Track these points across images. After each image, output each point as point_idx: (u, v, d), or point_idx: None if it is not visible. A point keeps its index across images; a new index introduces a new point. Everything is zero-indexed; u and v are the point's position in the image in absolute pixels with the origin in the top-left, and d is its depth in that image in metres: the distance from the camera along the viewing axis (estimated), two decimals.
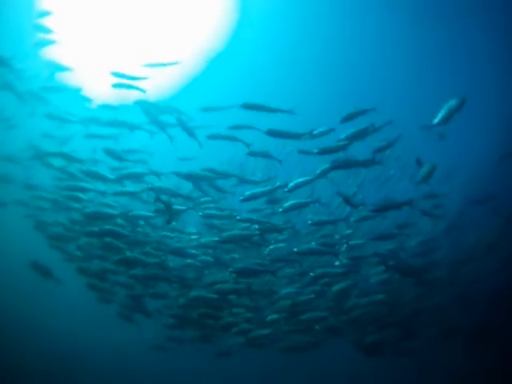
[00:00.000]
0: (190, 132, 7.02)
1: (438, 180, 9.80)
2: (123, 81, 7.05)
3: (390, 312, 9.39)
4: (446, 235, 9.48)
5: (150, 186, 6.86)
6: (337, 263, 8.69)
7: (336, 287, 8.60)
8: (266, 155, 7.23)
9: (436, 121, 5.82)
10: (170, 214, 6.71)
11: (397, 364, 11.41)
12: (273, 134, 6.46)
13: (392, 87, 14.53)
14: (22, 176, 9.31)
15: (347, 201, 7.15)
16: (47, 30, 8.02)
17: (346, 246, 8.67)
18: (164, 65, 7.55)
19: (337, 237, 9.07)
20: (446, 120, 5.76)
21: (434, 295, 9.25)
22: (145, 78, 7.22)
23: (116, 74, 7.08)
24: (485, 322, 9.36)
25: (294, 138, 6.50)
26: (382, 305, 9.19)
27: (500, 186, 9.44)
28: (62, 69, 8.13)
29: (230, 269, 7.45)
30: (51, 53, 8.52)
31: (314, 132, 6.73)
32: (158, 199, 6.61)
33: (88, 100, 8.26)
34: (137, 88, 7.24)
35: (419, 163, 6.49)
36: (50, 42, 8.08)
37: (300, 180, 6.99)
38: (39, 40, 8.06)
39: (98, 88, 8.21)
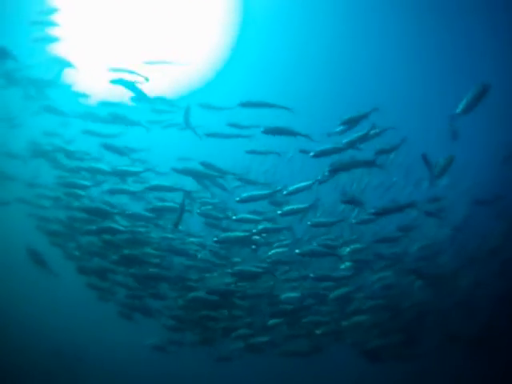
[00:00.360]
0: (189, 124, 7.00)
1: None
2: (122, 75, 7.06)
3: (393, 317, 9.26)
4: (451, 239, 9.35)
5: (147, 185, 6.84)
6: (342, 266, 8.62)
7: (337, 292, 8.52)
8: (265, 152, 7.20)
9: (459, 110, 5.69)
10: (180, 217, 6.70)
11: (399, 370, 11.25)
12: (270, 132, 6.39)
13: (396, 90, 14.45)
14: (25, 174, 9.36)
15: (351, 201, 7.04)
16: (52, 26, 8.07)
17: (348, 249, 8.54)
18: (164, 63, 7.57)
19: (341, 241, 8.98)
20: (469, 109, 5.61)
21: (437, 300, 9.10)
22: (146, 78, 7.24)
23: (114, 70, 7.11)
24: (488, 326, 9.19)
25: (293, 135, 6.41)
26: (385, 310, 9.08)
27: (504, 188, 9.29)
28: (66, 65, 8.15)
29: (230, 271, 7.42)
30: (55, 49, 8.56)
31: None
32: (183, 200, 6.60)
33: (86, 96, 8.29)
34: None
35: (426, 160, 6.39)
36: (55, 39, 8.12)
37: (300, 185, 6.97)
38: (44, 36, 8.09)
39: (101, 86, 8.23)
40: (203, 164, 6.94)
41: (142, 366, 16.82)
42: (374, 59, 15.41)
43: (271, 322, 9.00)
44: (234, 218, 7.17)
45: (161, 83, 9.19)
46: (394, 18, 13.89)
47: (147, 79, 7.21)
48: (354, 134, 6.53)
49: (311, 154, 6.26)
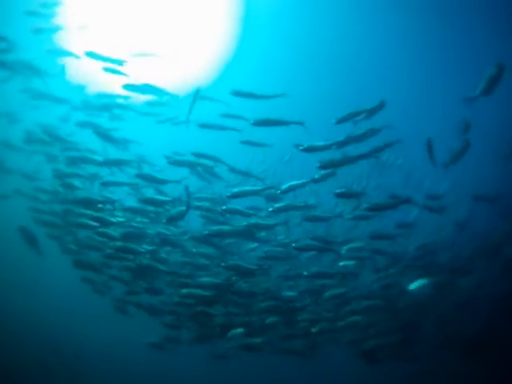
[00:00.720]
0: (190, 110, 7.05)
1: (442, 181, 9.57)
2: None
3: (391, 317, 9.12)
4: (452, 237, 9.20)
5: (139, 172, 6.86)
6: (342, 264, 8.55)
7: (333, 291, 8.44)
8: (259, 145, 7.19)
9: (477, 92, 5.56)
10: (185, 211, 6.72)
11: (398, 371, 11.06)
12: (260, 124, 6.34)
13: (400, 89, 14.30)
14: (26, 168, 9.42)
15: (346, 195, 6.93)
16: (53, 17, 8.20)
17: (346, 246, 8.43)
18: (149, 55, 7.67)
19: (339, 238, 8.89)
20: (487, 90, 5.50)
21: (436, 300, 8.94)
22: (122, 61, 7.39)
23: (90, 54, 7.24)
24: (488, 327, 8.99)
25: (285, 124, 6.36)
26: (382, 310, 8.95)
27: (506, 186, 9.11)
28: (68, 55, 8.22)
29: (223, 264, 7.39)
30: (57, 40, 8.65)
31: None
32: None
33: (82, 87, 8.38)
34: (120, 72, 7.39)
35: (429, 146, 6.30)
36: (56, 29, 8.24)
37: (294, 182, 6.92)
38: (45, 27, 8.21)
39: (99, 78, 8.32)
40: (196, 154, 6.94)
41: (139, 362, 16.80)
42: (378, 56, 15.33)
43: (268, 320, 8.93)
44: (223, 207, 7.11)
45: (167, 79, 9.22)
46: (398, 13, 13.78)
47: (121, 62, 7.39)
48: (352, 134, 6.48)
49: (300, 148, 6.20)
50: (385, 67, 15.18)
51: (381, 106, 6.44)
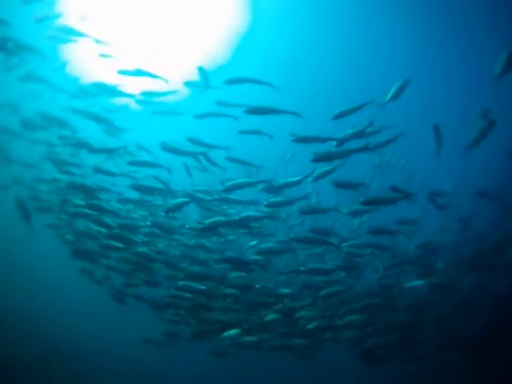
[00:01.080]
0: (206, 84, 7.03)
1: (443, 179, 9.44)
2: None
3: (391, 317, 8.97)
4: (454, 236, 9.05)
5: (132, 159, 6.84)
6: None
7: (332, 289, 8.32)
8: (256, 132, 7.13)
9: (496, 72, 5.55)
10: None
11: (398, 373, 10.91)
12: (253, 111, 6.25)
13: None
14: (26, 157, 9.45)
15: (345, 185, 6.82)
16: (53, 6, 8.27)
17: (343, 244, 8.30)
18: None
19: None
20: (505, 70, 5.47)
21: (437, 300, 8.78)
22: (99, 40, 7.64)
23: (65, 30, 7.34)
24: (489, 328, 8.81)
25: (278, 113, 6.27)
26: (383, 309, 8.80)
27: (510, 184, 8.95)
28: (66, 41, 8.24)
29: (218, 256, 7.32)
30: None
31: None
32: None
33: (77, 78, 8.43)
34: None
35: (437, 131, 6.20)
36: (56, 17, 8.29)
37: (292, 179, 6.85)
38: (45, 15, 8.27)
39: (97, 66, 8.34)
40: (191, 140, 6.90)
41: (140, 361, 16.76)
42: (383, 53, 15.26)
43: (267, 318, 8.83)
44: (216, 196, 7.03)
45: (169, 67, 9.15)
46: (402, 8, 13.66)
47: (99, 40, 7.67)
48: (350, 130, 6.40)
49: (293, 138, 6.11)
50: (390, 64, 15.04)
51: (404, 86, 6.27)
